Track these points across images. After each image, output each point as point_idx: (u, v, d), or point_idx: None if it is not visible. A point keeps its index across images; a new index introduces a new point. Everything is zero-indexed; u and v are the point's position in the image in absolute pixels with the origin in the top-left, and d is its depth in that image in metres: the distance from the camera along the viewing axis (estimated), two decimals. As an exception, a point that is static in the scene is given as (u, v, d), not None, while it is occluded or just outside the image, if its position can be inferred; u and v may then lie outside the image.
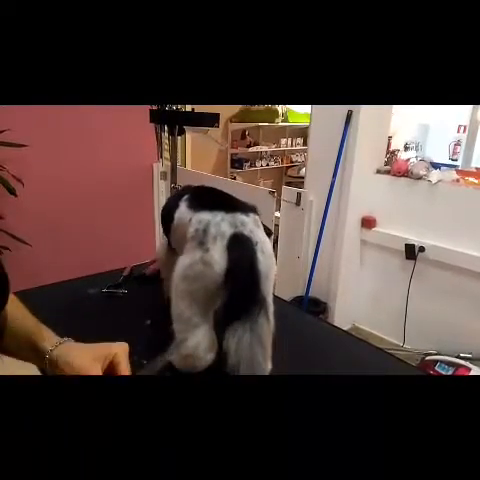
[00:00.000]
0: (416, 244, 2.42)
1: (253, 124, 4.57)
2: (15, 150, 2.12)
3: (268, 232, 0.82)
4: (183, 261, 0.76)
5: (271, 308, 0.74)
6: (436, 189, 2.35)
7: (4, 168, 2.12)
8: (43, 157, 2.40)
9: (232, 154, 4.54)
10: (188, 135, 2.74)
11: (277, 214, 2.62)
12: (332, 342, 1.02)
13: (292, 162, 5.22)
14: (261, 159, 4.83)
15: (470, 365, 2.10)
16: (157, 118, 1.64)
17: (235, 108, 4.43)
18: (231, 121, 4.39)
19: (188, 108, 1.96)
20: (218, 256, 0.72)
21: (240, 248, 0.72)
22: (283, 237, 2.78)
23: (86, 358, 0.58)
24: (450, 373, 2.09)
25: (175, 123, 1.61)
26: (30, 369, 0.63)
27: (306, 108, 4.09)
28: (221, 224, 0.74)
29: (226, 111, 4.15)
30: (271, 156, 4.96)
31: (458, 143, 3.08)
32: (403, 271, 2.52)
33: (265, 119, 4.55)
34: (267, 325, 0.72)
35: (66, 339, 0.61)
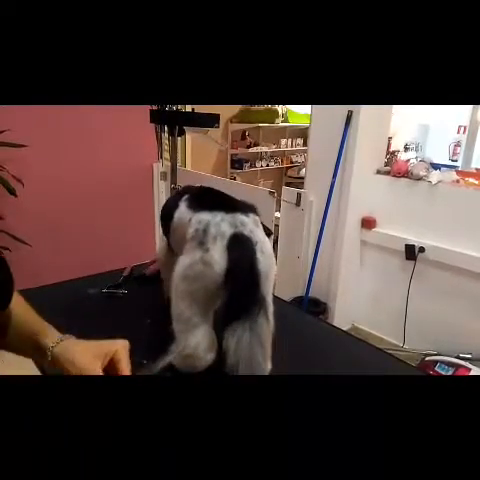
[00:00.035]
0: (416, 245, 2.42)
1: (253, 124, 4.57)
2: (15, 150, 2.12)
3: (268, 232, 0.82)
4: (183, 261, 0.76)
5: (271, 308, 0.75)
6: (436, 190, 2.35)
7: (4, 168, 2.12)
8: (43, 157, 2.40)
9: (232, 154, 4.54)
10: (188, 135, 2.74)
11: (277, 214, 2.62)
12: (332, 342, 1.02)
13: (292, 163, 5.22)
14: (261, 159, 4.83)
15: (470, 365, 2.10)
16: (157, 118, 1.64)
17: (235, 108, 4.43)
18: (231, 121, 4.39)
19: (188, 108, 1.96)
20: (218, 256, 0.72)
21: (240, 248, 0.72)
22: (283, 237, 2.78)
23: (87, 355, 0.59)
24: (450, 373, 2.09)
25: (175, 123, 1.61)
26: (30, 369, 0.63)
27: (306, 108, 4.09)
28: (221, 224, 0.74)
29: (226, 111, 4.15)
30: (271, 157, 4.96)
31: (458, 144, 3.08)
32: (403, 271, 2.52)
33: (265, 119, 4.55)
34: (267, 325, 0.72)
35: (68, 336, 0.62)
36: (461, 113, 3.04)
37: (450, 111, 3.08)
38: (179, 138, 1.73)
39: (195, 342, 0.76)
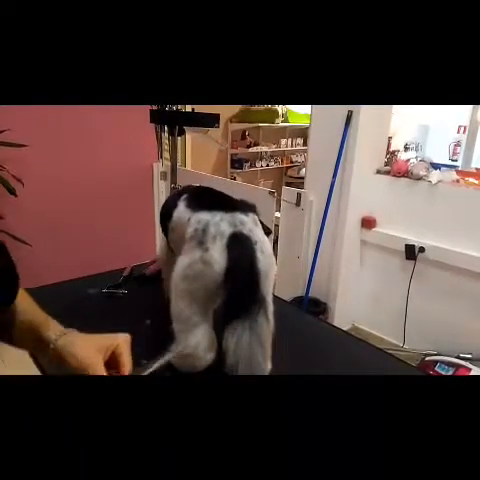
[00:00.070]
0: (416, 244, 2.42)
1: (253, 124, 4.57)
2: (15, 150, 2.12)
3: (267, 231, 0.82)
4: (182, 261, 0.76)
5: (271, 308, 0.74)
6: (436, 190, 2.35)
7: (4, 168, 2.13)
8: (43, 157, 2.40)
9: (232, 154, 4.54)
10: (188, 135, 2.74)
11: (277, 214, 2.62)
12: (332, 342, 1.02)
13: (292, 162, 5.22)
14: (261, 159, 4.83)
15: (470, 365, 2.09)
16: (157, 118, 1.64)
17: (235, 108, 4.43)
18: (231, 121, 4.39)
19: (188, 108, 1.96)
20: (218, 255, 0.72)
21: (239, 247, 0.72)
22: (283, 237, 2.78)
23: (89, 349, 0.60)
24: (450, 373, 2.09)
25: (175, 123, 1.61)
26: (30, 369, 0.63)
27: (306, 108, 4.09)
28: (220, 223, 0.74)
29: (226, 111, 4.16)
30: (271, 156, 4.96)
31: (458, 144, 3.08)
32: (403, 271, 2.52)
33: (265, 119, 4.56)
34: (266, 324, 0.72)
35: (70, 330, 0.63)
36: (461, 113, 3.03)
37: (450, 111, 3.07)
38: (179, 138, 1.74)
39: (195, 342, 0.76)
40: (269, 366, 0.76)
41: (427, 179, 2.37)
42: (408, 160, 2.57)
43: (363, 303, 2.77)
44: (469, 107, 2.92)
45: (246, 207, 0.81)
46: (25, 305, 0.62)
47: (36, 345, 0.61)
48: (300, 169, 4.82)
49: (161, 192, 2.95)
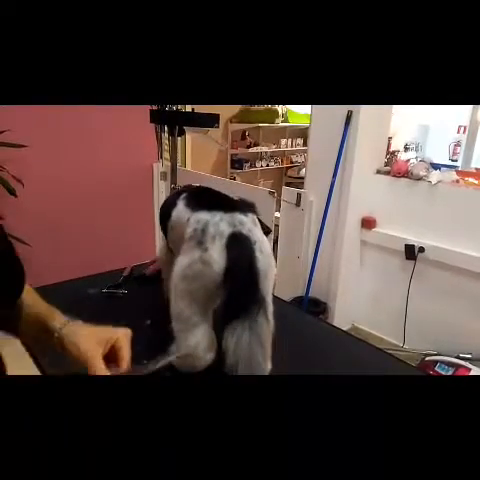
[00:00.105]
0: (416, 244, 2.42)
1: (253, 125, 4.57)
2: (15, 150, 2.12)
3: (267, 230, 0.82)
4: (182, 261, 0.76)
5: (270, 308, 0.74)
6: (436, 190, 2.35)
7: (4, 168, 2.12)
8: (43, 157, 2.40)
9: (232, 154, 4.54)
10: (188, 135, 2.74)
11: (277, 214, 2.62)
12: (332, 342, 1.02)
13: (292, 163, 5.22)
14: (261, 160, 4.83)
15: (470, 365, 2.09)
16: (157, 118, 1.64)
17: (235, 108, 4.43)
18: (231, 121, 4.39)
19: (188, 108, 1.96)
20: (217, 255, 0.72)
21: (239, 247, 0.72)
22: (283, 237, 2.78)
23: (91, 341, 0.63)
24: (450, 373, 2.09)
25: (175, 123, 1.61)
26: (30, 369, 0.65)
27: (306, 108, 4.09)
28: (220, 223, 0.74)
29: (226, 111, 4.16)
30: (271, 157, 4.96)
31: (458, 144, 3.08)
32: (403, 271, 2.52)
33: (265, 119, 4.56)
34: (266, 324, 0.72)
35: (75, 321, 0.66)
36: (461, 113, 3.03)
37: (450, 111, 3.08)
38: (179, 138, 1.73)
39: (195, 341, 0.76)
40: (269, 366, 0.76)
41: (427, 179, 2.37)
42: (408, 160, 2.57)
43: (363, 303, 2.77)
44: (469, 107, 2.92)
45: (245, 207, 0.81)
46: (30, 299, 0.65)
47: (41, 336, 0.64)
48: (300, 169, 4.82)
49: (161, 192, 2.95)
